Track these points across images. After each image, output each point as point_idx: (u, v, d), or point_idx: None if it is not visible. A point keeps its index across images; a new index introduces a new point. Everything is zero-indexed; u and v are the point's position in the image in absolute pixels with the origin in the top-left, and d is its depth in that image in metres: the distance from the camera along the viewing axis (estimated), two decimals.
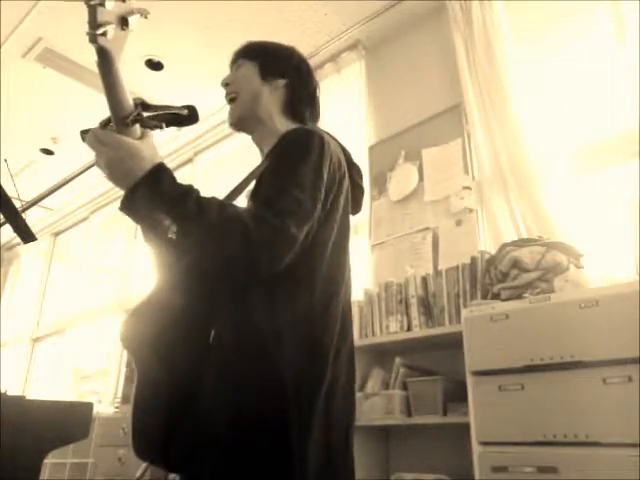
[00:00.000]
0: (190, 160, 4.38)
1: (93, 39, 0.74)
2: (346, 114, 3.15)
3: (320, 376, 0.94)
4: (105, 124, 0.89)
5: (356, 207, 1.23)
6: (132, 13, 0.77)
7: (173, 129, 1.01)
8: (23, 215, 1.11)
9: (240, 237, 0.84)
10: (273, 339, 0.90)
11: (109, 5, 0.73)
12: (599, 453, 1.43)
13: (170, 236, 0.86)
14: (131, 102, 0.86)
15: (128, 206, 0.87)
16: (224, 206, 0.89)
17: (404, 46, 3.13)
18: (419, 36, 3.06)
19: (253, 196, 1.01)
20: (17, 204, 1.12)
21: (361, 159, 3.00)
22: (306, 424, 0.89)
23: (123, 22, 0.76)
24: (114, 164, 0.87)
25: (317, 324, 0.96)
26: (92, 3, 0.71)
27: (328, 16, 3.11)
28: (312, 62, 3.65)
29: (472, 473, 1.67)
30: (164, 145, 4.22)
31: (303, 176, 0.96)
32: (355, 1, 2.99)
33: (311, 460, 0.88)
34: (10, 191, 1.14)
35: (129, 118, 0.85)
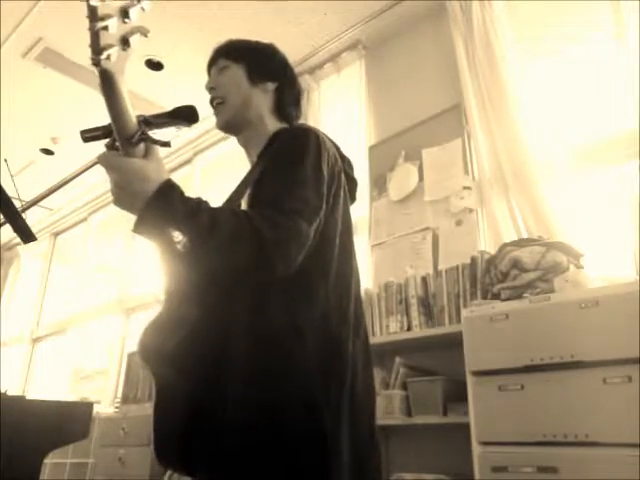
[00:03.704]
0: (190, 160, 4.37)
1: (97, 63, 0.74)
2: (346, 114, 3.15)
3: (343, 371, 0.95)
4: (111, 145, 0.89)
5: (351, 198, 1.25)
6: (133, 33, 0.76)
7: (172, 129, 1.02)
8: (23, 215, 1.11)
9: (254, 242, 0.86)
10: (295, 338, 0.92)
11: (112, 28, 0.73)
12: (599, 453, 1.43)
13: (180, 249, 0.85)
14: (135, 120, 0.85)
15: (141, 228, 0.85)
16: (234, 214, 0.90)
17: (404, 46, 3.13)
18: (419, 36, 3.06)
19: (254, 198, 1.02)
20: (17, 204, 1.12)
21: (361, 159, 3.00)
22: (337, 421, 0.91)
23: (125, 43, 0.76)
24: (120, 188, 0.86)
25: (334, 318, 0.98)
26: (96, 29, 0.71)
27: (328, 16, 3.10)
28: (312, 62, 3.67)
29: (472, 473, 1.67)
30: None
31: (305, 174, 0.98)
32: (355, 1, 2.99)
33: (345, 456, 0.89)
34: (10, 191, 1.15)
35: (134, 138, 0.85)
